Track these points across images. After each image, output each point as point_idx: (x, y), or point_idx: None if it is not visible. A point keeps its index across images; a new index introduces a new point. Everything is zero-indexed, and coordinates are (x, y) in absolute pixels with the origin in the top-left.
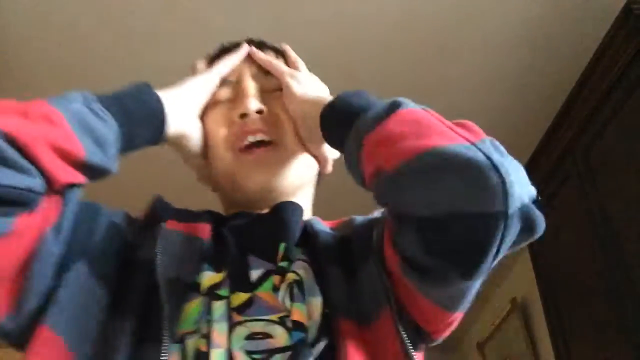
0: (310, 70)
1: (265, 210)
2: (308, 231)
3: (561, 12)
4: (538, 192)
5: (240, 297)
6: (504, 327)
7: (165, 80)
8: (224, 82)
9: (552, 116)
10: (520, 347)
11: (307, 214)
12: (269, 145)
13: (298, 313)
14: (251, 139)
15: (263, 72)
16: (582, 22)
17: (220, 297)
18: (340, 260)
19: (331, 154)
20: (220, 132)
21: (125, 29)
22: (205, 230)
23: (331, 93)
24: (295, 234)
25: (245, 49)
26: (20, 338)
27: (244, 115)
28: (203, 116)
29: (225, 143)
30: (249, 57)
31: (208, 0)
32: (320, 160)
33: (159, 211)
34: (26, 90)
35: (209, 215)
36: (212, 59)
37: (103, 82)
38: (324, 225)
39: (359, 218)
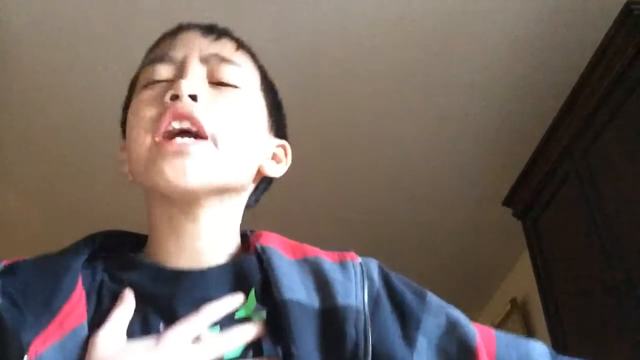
0: (310, 70)
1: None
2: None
3: (561, 12)
4: (538, 192)
5: None
6: (504, 327)
7: None
8: (165, 58)
9: (552, 116)
10: None
11: (233, 234)
12: (197, 139)
13: None
14: (175, 124)
15: (219, 59)
16: (582, 22)
17: None
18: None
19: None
20: (145, 113)
21: (124, 28)
22: (69, 318)
23: (331, 92)
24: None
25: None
26: None
27: (174, 97)
28: (133, 98)
29: (147, 124)
30: (208, 36)
31: (208, 1)
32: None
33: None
34: (26, 90)
35: (76, 268)
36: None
37: (103, 82)
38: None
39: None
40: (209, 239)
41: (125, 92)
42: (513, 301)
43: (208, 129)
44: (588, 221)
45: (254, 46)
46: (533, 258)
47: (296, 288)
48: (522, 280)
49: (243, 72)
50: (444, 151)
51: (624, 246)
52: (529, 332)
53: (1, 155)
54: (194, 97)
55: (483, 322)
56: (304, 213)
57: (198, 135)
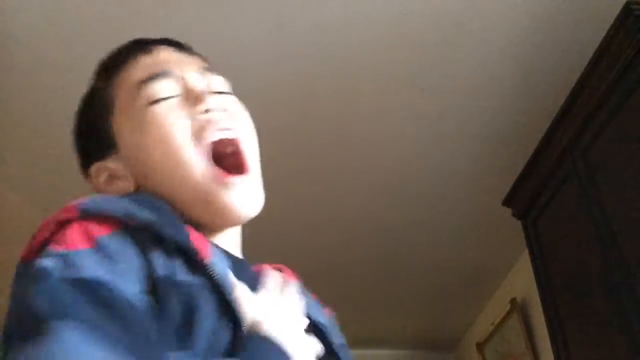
0: (310, 70)
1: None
2: None
3: (561, 12)
4: (538, 192)
5: None
6: (503, 327)
7: None
8: (163, 74)
9: (552, 116)
10: (519, 347)
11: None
12: (243, 169)
13: None
14: (219, 134)
15: (207, 71)
16: (582, 22)
17: None
18: None
19: None
20: (180, 121)
21: (125, 28)
22: (204, 241)
23: (330, 92)
24: None
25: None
26: None
27: (207, 111)
28: (130, 117)
29: (186, 137)
30: (183, 52)
31: (209, 2)
32: None
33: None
34: (26, 90)
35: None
36: (108, 67)
37: None
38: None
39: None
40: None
41: None
42: (513, 301)
43: (242, 143)
44: (588, 221)
45: (253, 46)
46: (533, 258)
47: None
48: (522, 280)
49: (225, 81)
50: (443, 151)
51: (624, 246)
52: (529, 332)
53: (0, 155)
54: (224, 110)
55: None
56: (303, 213)
57: (239, 156)
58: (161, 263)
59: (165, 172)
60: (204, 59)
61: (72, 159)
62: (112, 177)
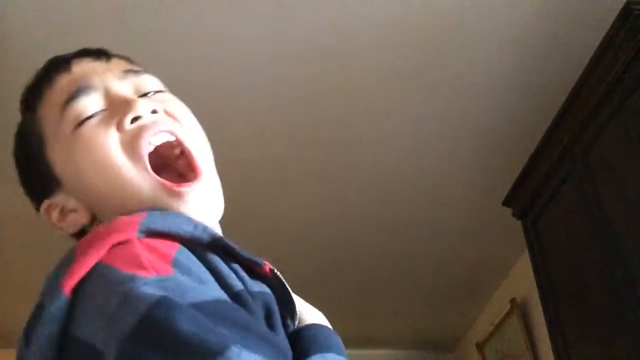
0: (310, 70)
1: None
2: None
3: (561, 12)
4: (538, 192)
5: None
6: (503, 327)
7: (164, 77)
8: (83, 90)
9: (552, 116)
10: (519, 347)
11: None
12: (192, 175)
13: None
14: (155, 139)
15: (131, 73)
16: (582, 22)
17: None
18: None
19: None
20: (109, 144)
21: (124, 28)
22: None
23: (330, 91)
24: None
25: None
26: None
27: (136, 119)
28: (61, 145)
29: (120, 154)
30: (101, 60)
31: (209, 2)
32: None
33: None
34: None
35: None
36: (33, 89)
37: None
38: None
39: None
40: None
41: None
42: (513, 301)
43: (183, 134)
44: (588, 221)
45: (253, 46)
46: (533, 258)
47: None
48: (522, 280)
49: (154, 77)
50: (443, 151)
51: (624, 246)
52: (529, 332)
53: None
54: (154, 111)
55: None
56: (302, 212)
57: (188, 158)
58: (233, 276)
59: (112, 196)
60: (128, 60)
61: None
62: (64, 212)
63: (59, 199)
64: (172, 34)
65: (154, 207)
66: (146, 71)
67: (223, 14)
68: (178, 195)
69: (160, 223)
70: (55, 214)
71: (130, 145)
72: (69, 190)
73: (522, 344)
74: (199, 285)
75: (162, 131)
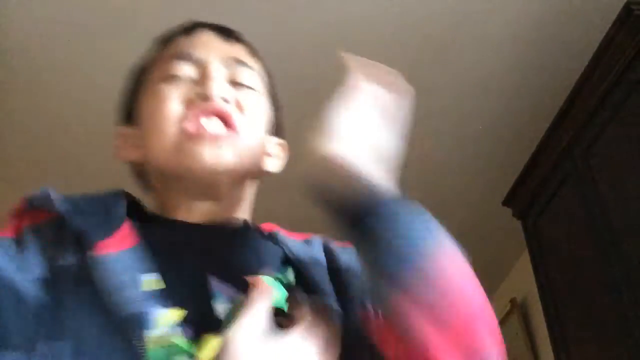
0: (310, 70)
1: (202, 217)
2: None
3: (561, 12)
4: (538, 192)
5: (211, 346)
6: (503, 328)
7: None
8: (186, 56)
9: (552, 116)
10: (519, 348)
11: (248, 213)
12: (228, 129)
13: None
14: (204, 122)
15: (238, 62)
16: (582, 22)
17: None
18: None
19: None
20: (169, 107)
21: (123, 28)
22: (127, 235)
23: (330, 91)
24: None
25: None
26: None
27: (205, 98)
28: (147, 89)
29: (172, 118)
30: (224, 39)
31: (209, 2)
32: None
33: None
34: (25, 89)
35: (122, 205)
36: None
37: (102, 81)
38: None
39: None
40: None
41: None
42: (513, 301)
43: (238, 126)
44: (588, 221)
45: (254, 45)
46: (533, 258)
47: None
48: (522, 280)
49: (256, 75)
50: (443, 151)
51: (624, 246)
52: (529, 332)
53: (0, 155)
54: (225, 100)
55: None
56: (303, 212)
57: (228, 126)
58: (70, 252)
59: (149, 144)
60: (249, 49)
61: (71, 159)
62: (128, 143)
63: (130, 130)
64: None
65: (168, 148)
66: (253, 68)
67: (223, 14)
68: (197, 136)
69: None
70: (120, 142)
71: (183, 117)
72: (141, 128)
73: (522, 344)
74: (13, 254)
75: (217, 113)
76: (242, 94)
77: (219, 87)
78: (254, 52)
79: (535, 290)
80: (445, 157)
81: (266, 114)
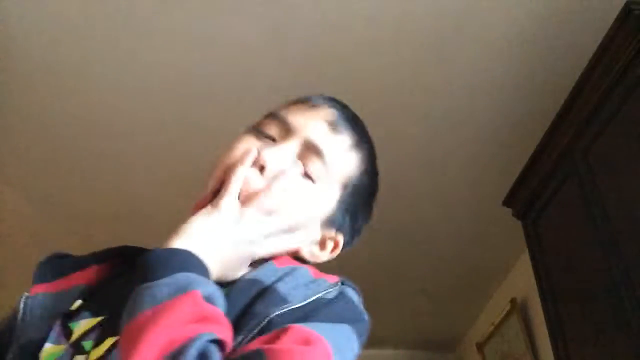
0: (310, 70)
1: None
2: None
3: (561, 12)
4: (538, 192)
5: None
6: (503, 327)
7: (164, 77)
8: (283, 120)
9: (552, 116)
10: (519, 347)
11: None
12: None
13: None
14: (234, 182)
15: (318, 152)
16: (582, 22)
17: (82, 351)
18: None
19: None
20: (231, 155)
21: (123, 30)
22: (87, 275)
23: (330, 91)
24: None
25: None
26: None
27: (261, 168)
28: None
29: (225, 165)
30: (331, 127)
31: (209, 2)
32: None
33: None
34: (28, 90)
35: (112, 253)
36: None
37: (101, 81)
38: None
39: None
40: None
41: (121, 91)
42: (513, 301)
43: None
44: (588, 221)
45: (254, 46)
46: (533, 258)
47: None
48: (522, 280)
49: (328, 170)
50: (443, 151)
51: (624, 246)
52: (529, 332)
53: (0, 155)
54: (262, 169)
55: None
56: None
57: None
58: None
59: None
60: (351, 144)
61: (71, 159)
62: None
63: None
64: (172, 34)
65: None
66: (329, 163)
67: (222, 15)
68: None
69: None
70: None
71: (230, 167)
72: None
73: (522, 344)
74: None
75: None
76: (282, 170)
77: (265, 158)
78: (357, 146)
79: (535, 290)
80: (445, 157)
81: (312, 202)
